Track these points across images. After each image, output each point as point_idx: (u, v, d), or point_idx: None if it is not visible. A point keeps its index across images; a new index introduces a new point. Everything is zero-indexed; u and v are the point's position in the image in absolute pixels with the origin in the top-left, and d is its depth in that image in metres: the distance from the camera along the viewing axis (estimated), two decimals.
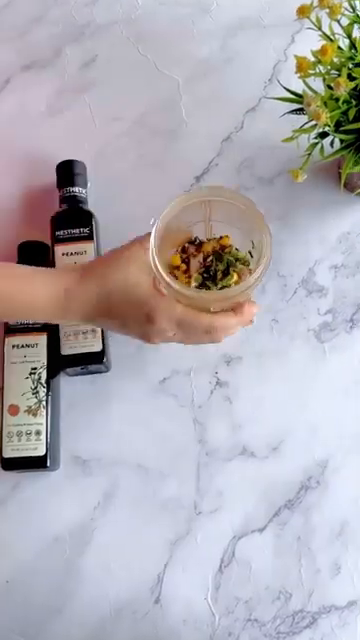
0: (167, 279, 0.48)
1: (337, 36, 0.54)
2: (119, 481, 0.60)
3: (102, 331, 0.60)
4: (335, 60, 0.52)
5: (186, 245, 0.54)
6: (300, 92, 0.57)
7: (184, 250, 0.54)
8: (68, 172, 0.66)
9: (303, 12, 0.54)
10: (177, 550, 0.58)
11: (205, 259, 0.53)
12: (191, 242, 0.55)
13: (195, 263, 0.53)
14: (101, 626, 0.57)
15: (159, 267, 0.48)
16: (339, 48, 0.53)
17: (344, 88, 0.48)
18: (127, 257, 0.51)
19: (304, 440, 0.61)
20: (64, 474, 0.61)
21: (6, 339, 0.60)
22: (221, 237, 0.54)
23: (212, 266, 0.52)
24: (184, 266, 0.53)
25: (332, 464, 0.61)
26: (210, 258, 0.53)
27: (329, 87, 0.53)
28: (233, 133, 0.72)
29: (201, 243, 0.54)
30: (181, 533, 0.59)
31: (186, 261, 0.53)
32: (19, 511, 0.60)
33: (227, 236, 0.53)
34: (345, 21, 0.54)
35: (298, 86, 0.58)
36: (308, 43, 0.56)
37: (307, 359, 0.64)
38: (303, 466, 0.61)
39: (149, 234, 0.50)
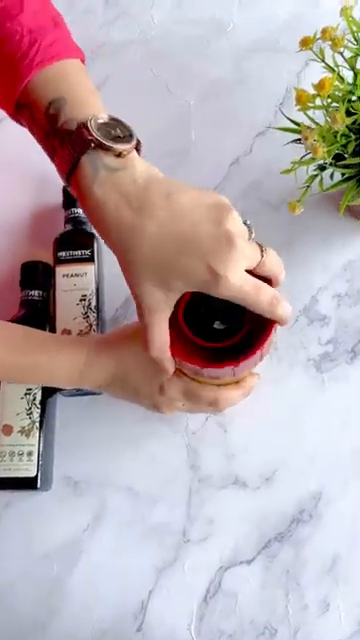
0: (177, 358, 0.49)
1: (341, 68, 0.54)
2: (109, 503, 0.61)
3: None
4: (336, 93, 0.51)
5: None
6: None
7: None
8: None
9: (306, 44, 0.53)
10: (163, 577, 0.58)
11: None
12: None
13: None
14: None
15: None
16: (340, 78, 0.52)
17: (341, 124, 0.48)
18: (136, 332, 0.53)
19: (298, 471, 0.60)
20: (55, 494, 0.61)
21: None
22: None
23: None
24: None
25: (326, 497, 0.60)
26: None
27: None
28: (242, 157, 0.72)
29: None
30: (168, 560, 0.59)
31: None
32: (10, 528, 0.61)
33: None
34: (348, 54, 0.53)
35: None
36: (322, 68, 0.55)
37: (305, 389, 0.63)
38: (296, 498, 0.60)
39: None
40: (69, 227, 0.66)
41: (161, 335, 0.47)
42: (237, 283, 0.42)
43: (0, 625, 0.58)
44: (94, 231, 0.66)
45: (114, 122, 0.45)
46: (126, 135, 0.45)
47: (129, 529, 0.60)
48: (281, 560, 0.58)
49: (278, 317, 0.46)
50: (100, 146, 0.43)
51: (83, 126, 0.43)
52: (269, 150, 0.72)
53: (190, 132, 0.73)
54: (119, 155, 0.44)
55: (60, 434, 0.63)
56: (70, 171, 0.44)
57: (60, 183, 0.68)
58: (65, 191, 0.67)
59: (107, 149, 0.43)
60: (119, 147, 0.43)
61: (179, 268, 0.41)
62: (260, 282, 0.44)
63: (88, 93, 0.47)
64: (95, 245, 0.64)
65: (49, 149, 0.47)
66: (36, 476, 0.57)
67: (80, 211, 0.66)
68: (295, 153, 0.60)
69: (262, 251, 0.44)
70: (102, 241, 0.65)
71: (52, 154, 0.46)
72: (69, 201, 0.67)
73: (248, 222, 0.44)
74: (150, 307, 0.45)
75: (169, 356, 0.48)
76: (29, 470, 0.57)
